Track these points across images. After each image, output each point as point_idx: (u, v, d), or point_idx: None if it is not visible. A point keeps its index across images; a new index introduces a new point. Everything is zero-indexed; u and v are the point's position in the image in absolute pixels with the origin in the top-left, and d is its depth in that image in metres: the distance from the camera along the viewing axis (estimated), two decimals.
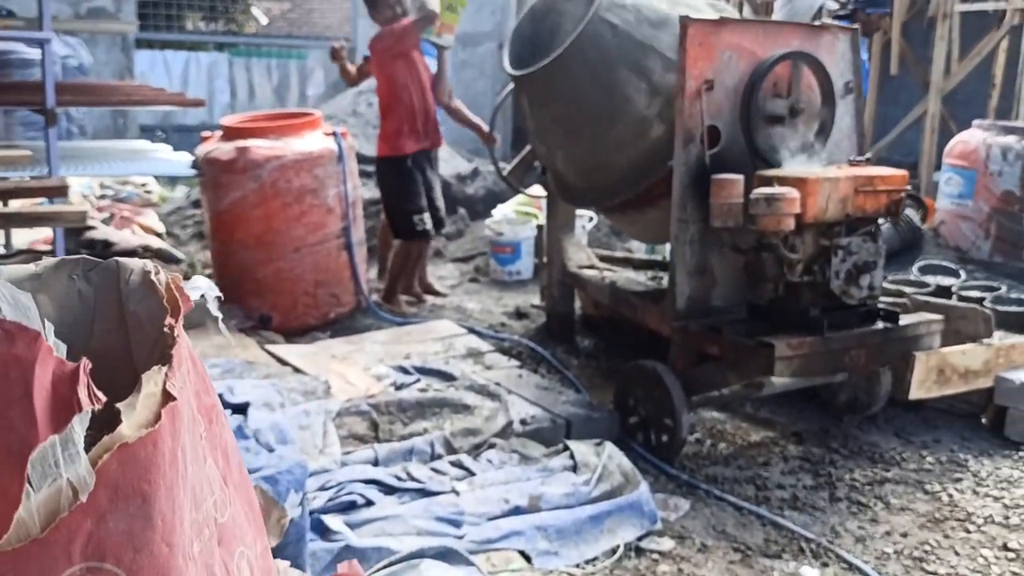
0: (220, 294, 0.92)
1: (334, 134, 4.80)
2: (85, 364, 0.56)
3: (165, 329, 0.64)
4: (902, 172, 3.45)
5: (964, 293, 5.23)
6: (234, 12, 13.68)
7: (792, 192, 3.16)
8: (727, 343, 3.37)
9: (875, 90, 9.15)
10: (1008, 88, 8.40)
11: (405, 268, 5.33)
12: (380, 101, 5.24)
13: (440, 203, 5.34)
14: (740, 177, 3.29)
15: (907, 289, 5.07)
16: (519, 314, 5.27)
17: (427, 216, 5.11)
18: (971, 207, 5.93)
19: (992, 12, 8.30)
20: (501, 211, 6.63)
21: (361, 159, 6.77)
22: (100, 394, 0.57)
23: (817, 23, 3.93)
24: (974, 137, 6.00)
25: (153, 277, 0.69)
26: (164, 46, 10.99)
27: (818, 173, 3.27)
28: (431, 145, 5.23)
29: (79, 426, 0.55)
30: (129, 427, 0.56)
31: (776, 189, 3.17)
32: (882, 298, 3.62)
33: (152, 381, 0.59)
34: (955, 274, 5.53)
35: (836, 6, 5.16)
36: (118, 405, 0.57)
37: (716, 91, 3.47)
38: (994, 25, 8.40)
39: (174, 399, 0.58)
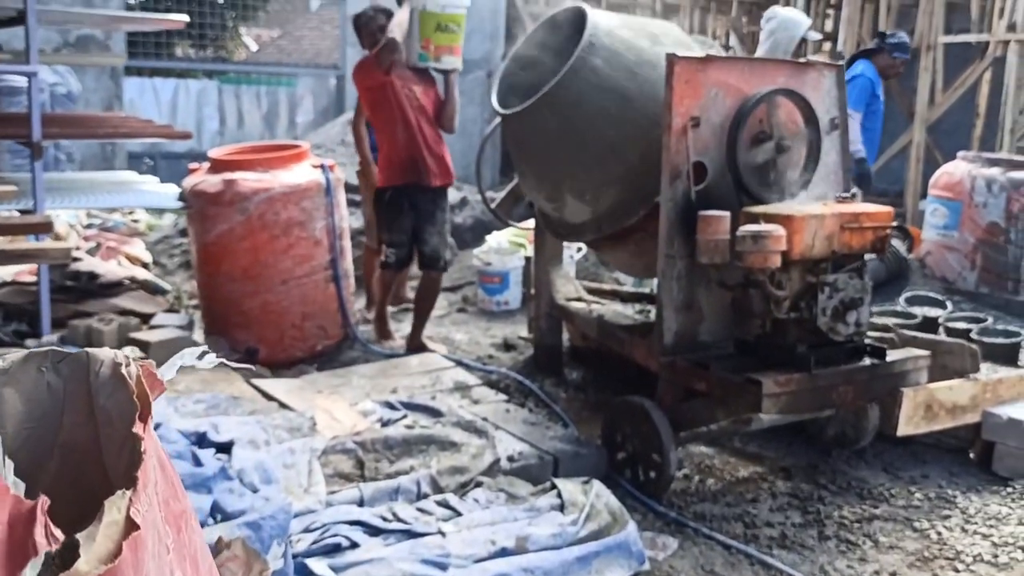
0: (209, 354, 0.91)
1: (322, 167, 4.80)
2: (43, 503, 0.55)
3: (134, 431, 0.63)
4: (887, 208, 3.47)
5: (951, 325, 5.26)
6: (223, 39, 13.73)
7: (778, 229, 3.16)
8: (715, 380, 3.37)
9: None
10: (992, 118, 8.48)
11: (384, 296, 5.28)
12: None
13: (430, 245, 4.99)
14: (726, 214, 3.30)
15: (894, 320, 5.09)
16: (507, 346, 5.26)
17: (392, 252, 4.97)
18: (957, 238, 5.97)
19: (975, 44, 8.39)
20: (495, 239, 6.62)
21: (349, 189, 6.77)
22: (58, 532, 0.55)
23: (803, 60, 3.96)
24: (959, 168, 6.05)
25: (123, 370, 0.68)
26: (153, 73, 11.02)
27: (804, 210, 3.28)
28: (422, 180, 4.87)
29: (31, 571, 0.53)
30: (87, 562, 0.54)
31: (762, 226, 3.17)
32: (869, 333, 3.63)
33: (115, 508, 0.57)
34: (942, 305, 5.55)
35: (819, 36, 5.21)
36: (77, 536, 0.55)
37: (702, 128, 3.48)
38: (977, 56, 8.50)
39: (137, 528, 0.56)
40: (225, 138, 11.28)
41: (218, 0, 11.50)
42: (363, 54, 5.17)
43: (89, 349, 0.71)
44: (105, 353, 0.70)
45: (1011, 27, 7.78)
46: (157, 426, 3.29)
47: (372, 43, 5.00)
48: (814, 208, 3.34)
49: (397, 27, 4.77)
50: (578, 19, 3.85)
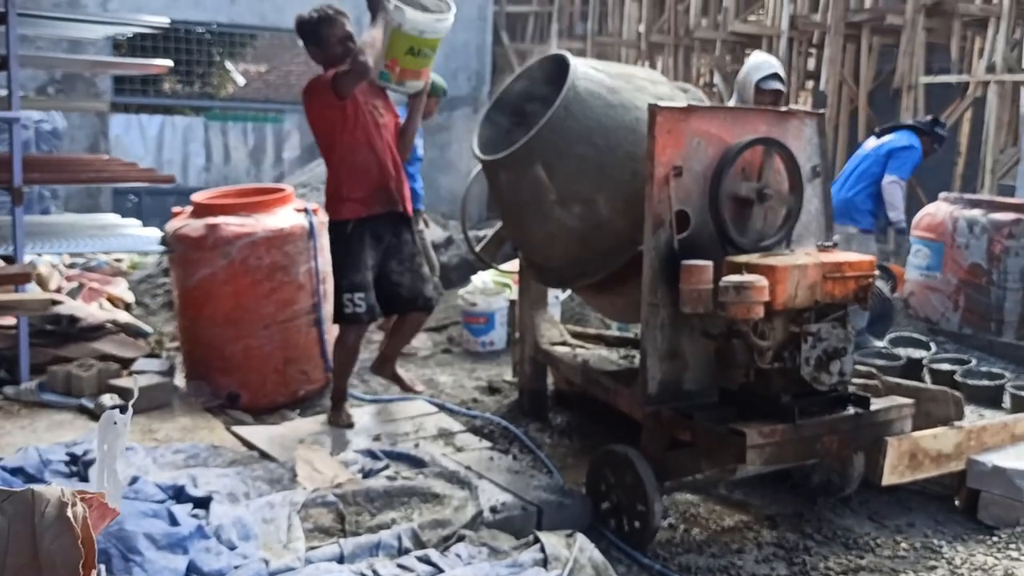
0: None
1: (305, 210, 4.78)
2: None
3: None
4: (869, 257, 3.48)
5: (935, 367, 5.28)
6: (210, 75, 13.73)
7: (761, 280, 3.16)
8: (699, 430, 3.35)
9: (844, 157, 9.32)
10: (973, 156, 8.58)
11: (346, 362, 4.43)
12: (323, 157, 4.41)
13: (404, 285, 4.41)
14: (709, 263, 3.30)
15: (879, 362, 5.10)
16: (491, 389, 5.22)
17: (359, 297, 4.19)
18: (940, 279, 6.00)
19: (956, 84, 8.50)
20: (481, 278, 6.60)
21: None
22: None
23: (784, 109, 3.99)
24: (941, 210, 6.10)
25: (69, 511, 0.65)
26: (139, 109, 11.02)
27: (787, 260, 3.28)
28: (395, 208, 4.34)
29: None
30: None
31: (745, 277, 3.17)
32: (853, 379, 3.62)
33: None
34: (926, 346, 5.57)
35: (776, 86, 5.17)
36: None
37: (685, 177, 3.48)
38: (958, 95, 8.61)
39: None
40: (211, 174, 11.27)
41: (205, 37, 11.53)
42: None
43: (35, 487, 0.69)
44: (51, 492, 0.68)
45: (991, 68, 7.88)
46: (135, 480, 3.25)
47: (332, 56, 4.24)
48: (796, 258, 3.34)
49: (370, 48, 4.09)
50: (561, 67, 3.86)
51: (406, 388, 4.73)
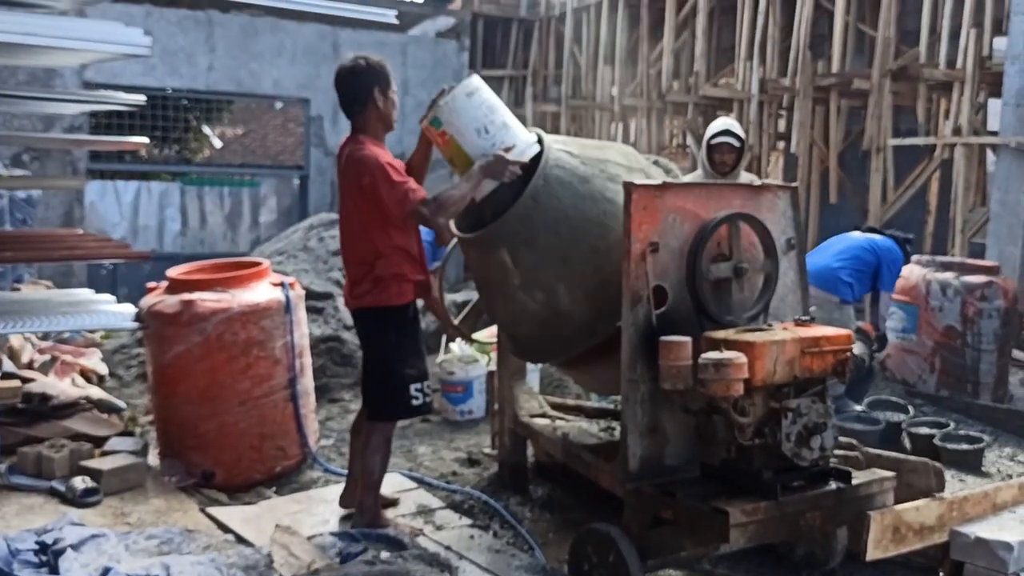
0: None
1: (282, 284, 4.76)
2: None
3: None
4: (846, 331, 3.50)
5: (914, 431, 5.29)
6: (187, 140, 13.77)
7: (740, 357, 3.16)
8: (681, 509, 3.32)
9: (816, 217, 9.47)
10: (943, 215, 8.73)
11: (385, 464, 4.00)
12: (364, 238, 3.83)
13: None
14: (688, 340, 3.30)
15: (858, 426, 5.11)
16: (471, 461, 5.16)
17: (422, 387, 3.90)
18: (915, 342, 6.05)
19: (923, 145, 8.68)
20: (459, 345, 6.56)
21: (311, 295, 6.71)
22: None
23: (758, 183, 4.04)
24: (914, 273, 6.18)
25: None
26: (115, 175, 11.01)
27: (765, 336, 3.29)
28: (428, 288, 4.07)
29: None
30: None
31: (724, 354, 3.17)
32: (834, 451, 3.61)
33: None
34: (904, 409, 5.59)
35: (727, 139, 5.29)
36: None
37: (661, 252, 3.51)
38: (926, 156, 8.79)
39: None
40: (188, 239, 11.24)
41: (182, 102, 11.59)
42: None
43: None
44: None
45: (957, 130, 8.06)
46: (107, 571, 3.17)
47: (392, 104, 3.93)
48: (775, 333, 3.35)
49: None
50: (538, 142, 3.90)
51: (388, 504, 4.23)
